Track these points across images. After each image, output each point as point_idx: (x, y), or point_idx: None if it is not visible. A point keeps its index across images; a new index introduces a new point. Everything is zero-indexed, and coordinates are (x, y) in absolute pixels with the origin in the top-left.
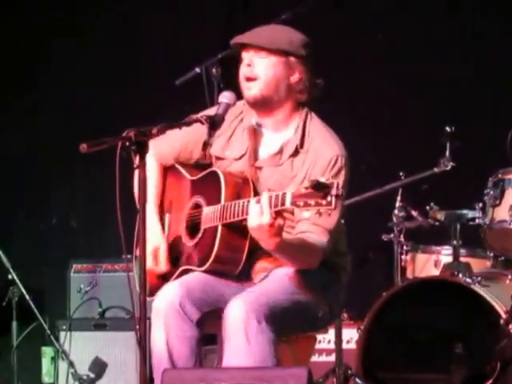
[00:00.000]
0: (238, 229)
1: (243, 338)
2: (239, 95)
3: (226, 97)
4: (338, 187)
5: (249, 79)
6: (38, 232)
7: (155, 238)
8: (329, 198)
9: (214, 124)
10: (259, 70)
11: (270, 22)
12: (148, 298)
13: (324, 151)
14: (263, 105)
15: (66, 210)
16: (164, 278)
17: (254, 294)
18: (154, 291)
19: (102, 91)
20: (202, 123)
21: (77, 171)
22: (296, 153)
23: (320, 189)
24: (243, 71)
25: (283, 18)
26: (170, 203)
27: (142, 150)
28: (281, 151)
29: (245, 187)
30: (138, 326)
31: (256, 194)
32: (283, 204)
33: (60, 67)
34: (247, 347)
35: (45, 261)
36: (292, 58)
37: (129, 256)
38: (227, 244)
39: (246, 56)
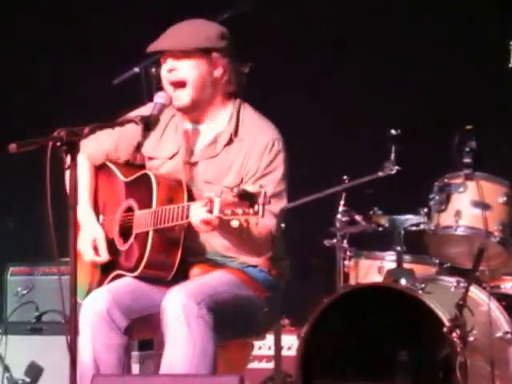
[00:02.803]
0: (170, 234)
1: (183, 321)
2: None
3: (161, 97)
4: (265, 196)
5: (176, 85)
6: None
7: (92, 229)
8: (256, 208)
9: (149, 125)
10: (183, 73)
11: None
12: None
13: (259, 137)
14: (194, 109)
15: (2, 210)
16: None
17: (193, 284)
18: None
19: (37, 89)
20: (137, 123)
21: (13, 171)
22: (230, 141)
23: (247, 198)
24: (167, 77)
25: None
26: (103, 204)
27: (73, 149)
28: (215, 141)
29: (178, 191)
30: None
31: (190, 197)
32: (211, 212)
33: None
34: (187, 330)
35: None
36: (213, 54)
37: (64, 259)
38: (159, 249)
39: (168, 61)
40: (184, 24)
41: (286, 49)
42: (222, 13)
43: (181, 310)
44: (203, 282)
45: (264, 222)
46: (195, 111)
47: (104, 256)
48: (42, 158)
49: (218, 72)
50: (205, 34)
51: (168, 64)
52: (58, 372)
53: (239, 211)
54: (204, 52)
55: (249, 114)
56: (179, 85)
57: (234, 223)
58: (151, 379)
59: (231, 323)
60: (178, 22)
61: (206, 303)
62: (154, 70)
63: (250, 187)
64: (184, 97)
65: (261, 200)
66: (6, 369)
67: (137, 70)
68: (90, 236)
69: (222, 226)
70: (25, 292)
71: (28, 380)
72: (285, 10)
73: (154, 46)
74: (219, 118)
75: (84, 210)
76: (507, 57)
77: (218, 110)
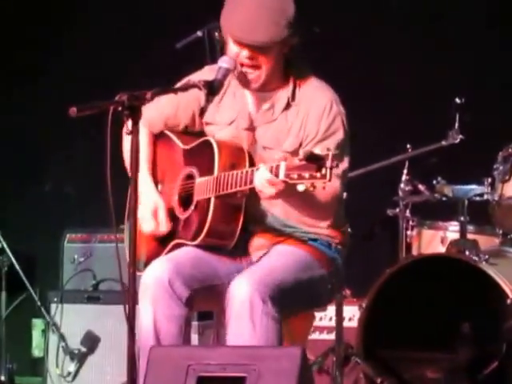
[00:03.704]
0: (231, 201)
1: (248, 320)
2: None
3: (225, 61)
4: (332, 159)
5: (249, 67)
6: (31, 198)
7: (152, 199)
8: (323, 171)
9: (213, 90)
10: (261, 61)
11: None
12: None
13: (316, 99)
14: (262, 87)
15: (61, 175)
16: (159, 250)
17: (259, 274)
18: (150, 261)
19: (101, 52)
20: (200, 89)
21: (74, 136)
22: (288, 106)
23: (314, 160)
24: (243, 61)
25: None
26: (162, 173)
27: (135, 114)
28: (272, 106)
29: (240, 157)
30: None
31: (251, 163)
32: (277, 176)
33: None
34: (252, 329)
35: (37, 229)
36: (288, 38)
37: (122, 226)
38: (221, 216)
39: (245, 49)
40: (263, 11)
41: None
42: None
43: (247, 307)
44: (267, 270)
45: (328, 184)
46: (262, 87)
47: (164, 226)
48: (103, 121)
49: (286, 49)
50: (285, 21)
51: (246, 52)
52: (115, 342)
53: (306, 175)
54: (282, 41)
55: (304, 76)
56: (253, 67)
57: (301, 187)
58: (209, 351)
59: (296, 307)
60: None
61: (271, 297)
62: (216, 33)
63: (317, 149)
64: (257, 77)
65: (328, 163)
66: (62, 338)
67: (199, 33)
68: (150, 206)
69: (288, 191)
70: (82, 259)
71: (84, 349)
72: None
73: (235, 35)
74: (279, 89)
75: (143, 179)
76: None
77: (279, 79)
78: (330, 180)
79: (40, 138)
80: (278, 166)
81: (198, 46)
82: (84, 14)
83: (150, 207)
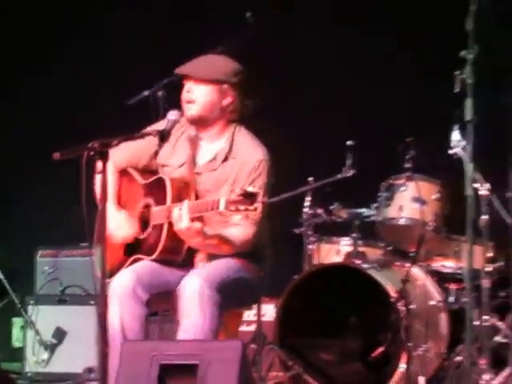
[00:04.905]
0: None
1: (197, 300)
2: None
3: (173, 114)
4: (263, 195)
5: (188, 102)
6: (12, 221)
7: (119, 215)
8: (255, 205)
9: (163, 137)
10: (197, 95)
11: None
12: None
13: (249, 157)
14: (200, 122)
15: (31, 203)
16: (122, 262)
17: (205, 270)
18: (115, 271)
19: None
20: (154, 136)
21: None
22: (226, 158)
23: (249, 197)
24: (184, 96)
25: (220, 50)
26: (124, 202)
27: (105, 157)
28: (215, 158)
29: (187, 191)
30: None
31: (196, 195)
32: (217, 208)
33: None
34: (200, 315)
35: (17, 247)
36: (225, 86)
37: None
38: (171, 237)
39: (187, 83)
40: (208, 57)
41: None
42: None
43: (197, 292)
44: (214, 268)
45: (246, 230)
46: (200, 124)
47: (133, 231)
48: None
49: (226, 101)
50: (222, 69)
51: (187, 86)
52: (79, 335)
53: (242, 207)
54: (218, 83)
55: (242, 134)
56: (192, 102)
57: (236, 218)
58: (170, 344)
59: (233, 299)
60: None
61: (216, 286)
62: (160, 93)
63: (250, 188)
64: (192, 109)
65: (259, 198)
66: (37, 332)
67: (146, 93)
68: (121, 217)
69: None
70: (51, 270)
71: (55, 341)
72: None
73: (180, 69)
74: (220, 139)
75: (110, 205)
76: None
77: (219, 132)
78: (260, 212)
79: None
80: (218, 200)
81: (146, 102)
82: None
83: (121, 217)
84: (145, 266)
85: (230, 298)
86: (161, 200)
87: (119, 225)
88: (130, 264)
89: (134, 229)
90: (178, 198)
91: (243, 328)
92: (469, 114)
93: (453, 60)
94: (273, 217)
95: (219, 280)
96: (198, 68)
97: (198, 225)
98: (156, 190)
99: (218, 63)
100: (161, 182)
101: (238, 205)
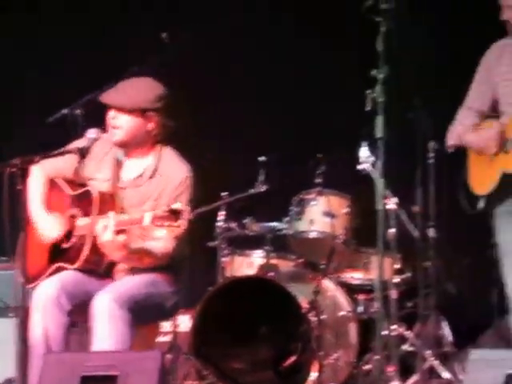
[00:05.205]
0: None
1: (107, 320)
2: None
3: (92, 133)
4: (187, 213)
5: (113, 127)
6: None
7: (48, 217)
8: (179, 222)
9: (83, 154)
10: (121, 122)
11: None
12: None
13: (175, 173)
14: (126, 146)
15: None
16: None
17: (116, 288)
18: (36, 277)
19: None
20: (74, 154)
21: None
22: (152, 176)
23: (174, 213)
24: (109, 121)
25: (134, 71)
26: (52, 209)
27: (25, 174)
28: (141, 175)
29: (112, 205)
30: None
31: (121, 210)
32: (142, 222)
33: None
34: (112, 331)
35: None
36: (148, 112)
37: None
38: (94, 249)
39: (112, 110)
40: (132, 82)
41: None
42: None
43: (106, 312)
44: (126, 285)
45: (166, 244)
46: (126, 148)
47: (62, 232)
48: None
49: (150, 126)
50: (144, 96)
51: (112, 113)
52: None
53: (166, 223)
54: (141, 111)
55: (168, 154)
56: (116, 128)
57: (161, 233)
58: (92, 356)
59: (147, 315)
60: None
61: (127, 305)
62: (78, 111)
63: (176, 205)
64: (117, 134)
65: (185, 216)
66: None
67: (65, 111)
68: (50, 218)
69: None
70: None
71: None
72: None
73: (103, 98)
74: (147, 157)
75: (39, 210)
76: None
77: (145, 152)
78: (184, 228)
79: None
80: (143, 215)
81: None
82: None
83: (50, 218)
84: (69, 275)
85: (142, 315)
86: (87, 211)
87: (48, 226)
88: (53, 271)
89: (63, 229)
90: (104, 211)
91: (160, 338)
92: (379, 132)
93: (364, 79)
94: (190, 231)
95: (131, 298)
96: (122, 97)
97: (121, 238)
98: (83, 201)
99: (141, 89)
100: (88, 195)
101: (163, 221)
